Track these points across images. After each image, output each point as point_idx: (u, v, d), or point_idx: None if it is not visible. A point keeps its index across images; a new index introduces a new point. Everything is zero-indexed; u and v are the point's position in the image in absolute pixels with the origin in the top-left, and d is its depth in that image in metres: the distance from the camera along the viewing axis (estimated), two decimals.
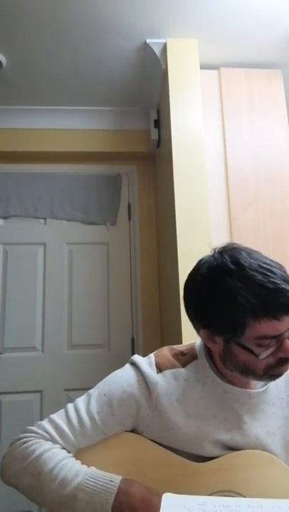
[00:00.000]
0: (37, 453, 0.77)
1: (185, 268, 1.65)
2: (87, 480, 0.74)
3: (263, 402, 0.85)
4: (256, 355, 0.73)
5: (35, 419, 2.23)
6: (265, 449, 0.83)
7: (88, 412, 0.82)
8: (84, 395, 0.86)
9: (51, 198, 2.52)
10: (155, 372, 0.85)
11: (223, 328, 0.75)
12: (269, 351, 0.73)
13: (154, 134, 2.29)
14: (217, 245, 0.82)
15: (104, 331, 2.42)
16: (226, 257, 0.77)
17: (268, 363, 0.75)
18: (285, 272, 0.75)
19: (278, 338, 0.73)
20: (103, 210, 2.55)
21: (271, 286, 0.71)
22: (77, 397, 0.87)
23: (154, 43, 1.93)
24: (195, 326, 0.83)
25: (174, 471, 0.81)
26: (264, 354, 0.73)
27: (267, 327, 0.71)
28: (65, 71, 2.12)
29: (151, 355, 0.89)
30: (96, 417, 0.81)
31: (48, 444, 0.79)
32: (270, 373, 0.76)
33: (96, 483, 0.73)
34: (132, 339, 2.42)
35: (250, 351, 0.73)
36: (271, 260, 0.76)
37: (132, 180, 2.64)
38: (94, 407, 0.82)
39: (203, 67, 1.97)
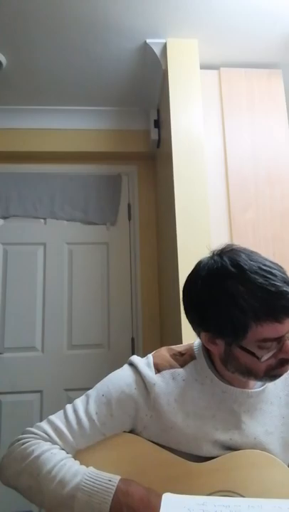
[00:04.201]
0: (36, 454, 0.77)
1: (185, 268, 1.65)
2: (86, 480, 0.74)
3: (261, 401, 0.85)
4: (258, 358, 0.73)
5: (35, 420, 2.23)
6: (263, 449, 0.83)
7: (87, 412, 0.82)
8: (82, 396, 0.86)
9: (51, 198, 2.52)
10: (153, 372, 0.85)
11: (224, 332, 0.75)
12: (270, 353, 0.74)
13: (154, 134, 2.29)
14: (215, 247, 0.81)
15: (104, 331, 2.42)
16: (226, 259, 0.76)
17: (269, 364, 0.75)
18: (284, 273, 0.74)
19: (279, 340, 0.73)
20: (103, 210, 2.55)
21: (272, 288, 0.71)
22: (77, 397, 0.87)
23: (154, 43, 1.93)
24: (195, 329, 0.83)
25: (173, 471, 0.81)
26: (266, 356, 0.73)
27: (269, 330, 0.71)
28: (65, 71, 2.12)
29: (150, 356, 0.89)
30: (95, 417, 0.81)
31: (47, 445, 0.79)
32: (271, 374, 0.76)
33: (95, 482, 0.73)
34: (132, 339, 2.42)
35: (252, 354, 0.73)
36: (271, 261, 0.76)
37: (132, 180, 2.64)
38: (92, 408, 0.82)
39: (203, 67, 1.97)
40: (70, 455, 0.80)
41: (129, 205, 2.61)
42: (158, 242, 2.50)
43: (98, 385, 0.86)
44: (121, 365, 0.91)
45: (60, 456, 0.78)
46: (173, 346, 0.93)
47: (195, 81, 1.91)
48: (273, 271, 0.73)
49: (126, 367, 0.89)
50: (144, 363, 0.87)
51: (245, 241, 1.80)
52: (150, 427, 0.83)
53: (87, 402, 0.84)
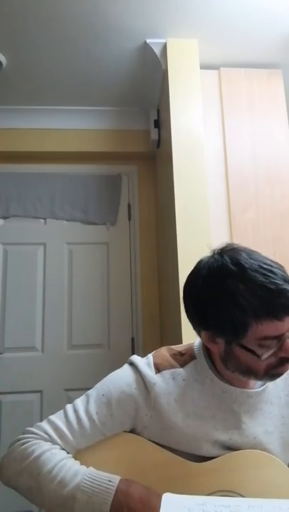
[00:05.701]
0: (36, 454, 0.77)
1: (185, 268, 1.65)
2: (86, 480, 0.74)
3: (261, 401, 0.85)
4: (258, 356, 0.73)
5: (35, 419, 2.23)
6: (263, 449, 0.83)
7: (87, 412, 0.82)
8: (82, 396, 0.86)
9: (51, 198, 2.52)
10: (153, 372, 0.85)
11: (224, 330, 0.75)
12: (270, 352, 0.73)
13: (154, 134, 2.29)
14: (216, 246, 0.81)
15: (104, 331, 2.42)
16: (226, 258, 0.76)
17: (270, 363, 0.75)
18: (285, 271, 0.74)
19: (280, 339, 0.73)
20: (103, 210, 2.55)
21: (273, 286, 0.71)
22: (77, 397, 0.87)
23: (154, 43, 1.93)
24: (195, 328, 0.83)
25: (173, 471, 0.81)
26: (266, 354, 0.73)
27: (269, 328, 0.71)
28: (65, 71, 2.12)
29: (150, 356, 0.89)
30: (95, 417, 0.81)
31: (47, 445, 0.79)
32: (271, 373, 0.76)
33: (94, 483, 0.73)
34: (132, 339, 2.42)
35: (252, 352, 0.73)
36: (271, 260, 0.76)
37: (132, 180, 2.64)
38: (92, 408, 0.82)
39: (203, 67, 1.97)
40: (70, 455, 0.80)
41: (129, 205, 2.61)
42: (158, 242, 2.50)
43: (98, 385, 0.86)
44: (121, 365, 0.90)
45: (61, 456, 0.78)
46: (173, 346, 0.93)
47: (195, 81, 1.91)
48: (274, 269, 0.73)
49: (126, 367, 0.89)
50: (144, 362, 0.87)
51: (245, 241, 1.79)
52: (150, 427, 0.83)
53: (88, 402, 0.84)
